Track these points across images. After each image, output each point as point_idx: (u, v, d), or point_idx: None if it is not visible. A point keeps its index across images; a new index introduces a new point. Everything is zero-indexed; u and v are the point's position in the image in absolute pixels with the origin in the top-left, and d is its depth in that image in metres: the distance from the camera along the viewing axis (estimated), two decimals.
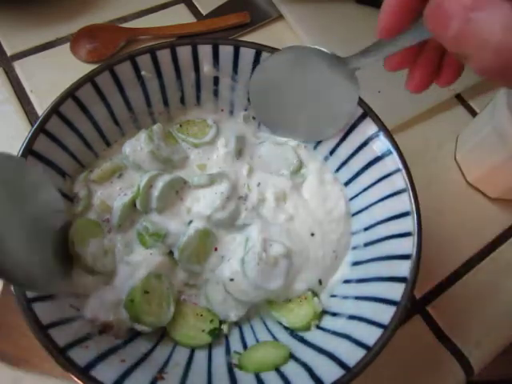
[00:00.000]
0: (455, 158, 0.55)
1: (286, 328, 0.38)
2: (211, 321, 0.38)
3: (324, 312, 0.38)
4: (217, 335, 0.37)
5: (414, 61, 0.31)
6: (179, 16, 0.61)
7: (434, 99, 0.57)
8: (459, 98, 0.59)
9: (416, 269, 0.33)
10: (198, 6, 0.62)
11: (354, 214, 0.41)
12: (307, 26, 0.60)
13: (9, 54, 0.55)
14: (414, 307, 0.45)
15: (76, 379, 0.28)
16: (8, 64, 0.54)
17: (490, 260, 0.49)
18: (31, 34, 0.56)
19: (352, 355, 0.31)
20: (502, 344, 0.45)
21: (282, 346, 0.36)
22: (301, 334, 0.37)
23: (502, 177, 0.49)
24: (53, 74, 0.53)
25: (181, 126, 0.44)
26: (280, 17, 0.62)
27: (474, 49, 0.21)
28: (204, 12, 0.61)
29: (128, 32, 0.57)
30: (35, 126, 0.35)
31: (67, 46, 0.55)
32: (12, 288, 0.29)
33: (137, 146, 0.40)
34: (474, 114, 0.58)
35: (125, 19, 0.59)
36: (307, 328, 0.37)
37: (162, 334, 0.37)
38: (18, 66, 0.54)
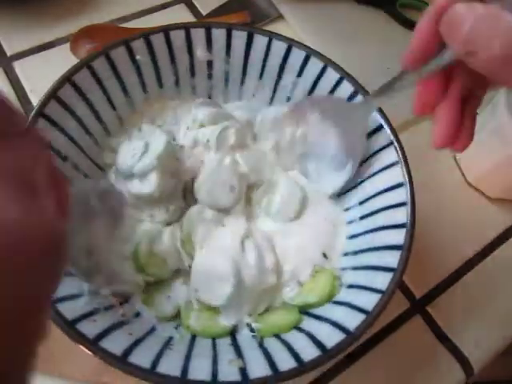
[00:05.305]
0: (455, 158, 0.55)
1: None
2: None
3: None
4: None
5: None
6: (179, 16, 0.60)
7: None
8: None
9: (411, 235, 0.34)
10: (197, 5, 0.62)
11: (349, 190, 0.42)
12: (307, 26, 0.60)
13: (9, 54, 0.54)
14: (413, 307, 0.45)
15: (87, 350, 0.29)
16: (8, 64, 0.54)
17: (490, 260, 0.49)
18: (31, 34, 0.56)
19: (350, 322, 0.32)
20: (502, 344, 0.45)
21: (292, 308, 0.37)
22: None
23: (501, 177, 0.49)
24: (53, 74, 0.52)
25: None
26: (280, 17, 0.62)
27: (480, 46, 0.24)
28: (204, 12, 0.61)
29: (128, 32, 0.57)
30: (34, 111, 0.36)
31: (67, 46, 0.54)
32: None
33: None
34: None
35: (125, 19, 0.59)
36: (335, 292, 0.36)
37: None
38: (18, 66, 0.54)
